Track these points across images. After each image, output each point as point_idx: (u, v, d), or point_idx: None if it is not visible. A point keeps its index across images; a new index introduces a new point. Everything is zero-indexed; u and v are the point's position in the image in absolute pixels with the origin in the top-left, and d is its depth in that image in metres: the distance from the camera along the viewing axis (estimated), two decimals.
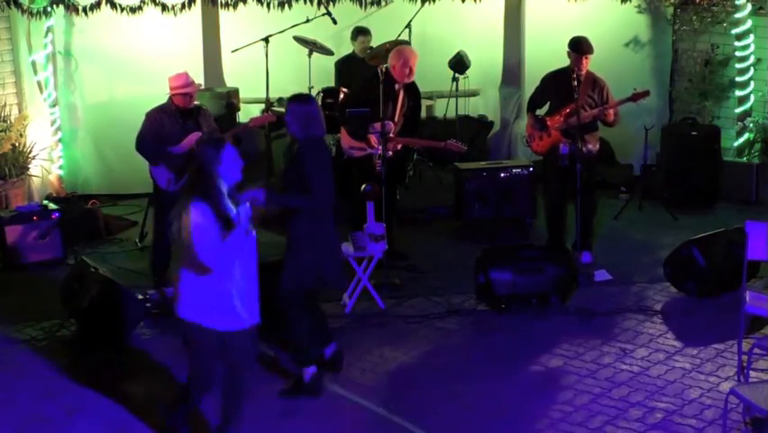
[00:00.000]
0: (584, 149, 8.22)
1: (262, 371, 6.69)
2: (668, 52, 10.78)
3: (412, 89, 8.48)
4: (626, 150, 10.77)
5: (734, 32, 10.34)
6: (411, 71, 8.24)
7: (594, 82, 8.32)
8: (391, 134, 8.25)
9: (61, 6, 9.74)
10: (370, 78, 8.43)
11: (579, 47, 8.20)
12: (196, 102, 7.93)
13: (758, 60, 10.28)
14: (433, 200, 10.00)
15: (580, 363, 6.77)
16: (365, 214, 7.71)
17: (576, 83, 8.09)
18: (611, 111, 8.25)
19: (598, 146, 8.48)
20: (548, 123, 8.40)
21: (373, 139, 8.25)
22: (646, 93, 8.29)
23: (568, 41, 8.30)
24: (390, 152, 8.23)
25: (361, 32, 10.17)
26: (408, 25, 10.15)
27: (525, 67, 10.70)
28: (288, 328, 6.37)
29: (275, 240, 6.87)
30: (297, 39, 9.99)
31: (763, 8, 10.18)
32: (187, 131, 7.83)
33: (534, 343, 7.10)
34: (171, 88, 7.77)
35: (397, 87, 8.29)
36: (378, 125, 8.09)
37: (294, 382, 6.41)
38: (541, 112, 8.58)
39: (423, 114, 10.13)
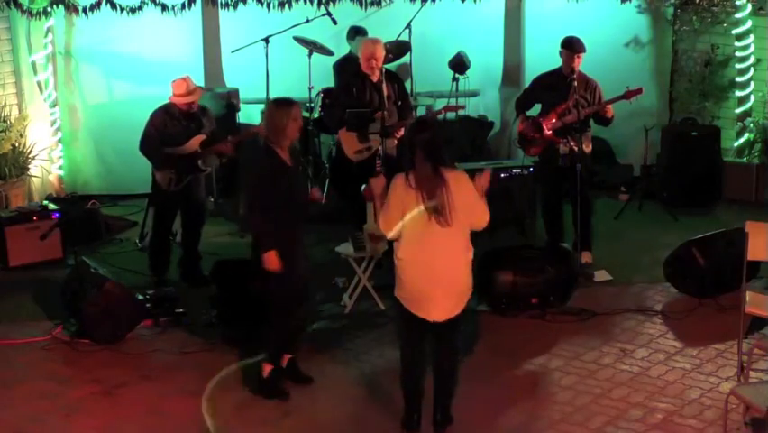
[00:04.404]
0: (576, 148, 8.25)
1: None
2: (668, 53, 10.78)
3: (390, 76, 8.54)
4: (626, 150, 10.78)
5: (734, 32, 10.34)
6: (377, 61, 8.31)
7: (586, 83, 8.33)
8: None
9: (61, 7, 9.76)
10: (349, 78, 8.50)
11: (572, 45, 8.22)
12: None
13: (758, 61, 10.28)
14: None
15: (581, 364, 6.77)
16: (365, 214, 7.71)
17: (571, 81, 8.12)
18: (610, 107, 8.28)
19: (591, 146, 8.50)
20: (542, 123, 8.41)
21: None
22: (639, 91, 8.30)
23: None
24: (396, 141, 8.31)
25: (358, 32, 10.13)
26: (408, 26, 10.14)
27: (525, 67, 10.69)
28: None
29: None
30: (298, 39, 9.98)
31: (762, 8, 10.17)
32: (189, 132, 7.87)
33: (534, 343, 7.10)
34: (174, 95, 7.81)
35: (376, 79, 8.33)
36: None
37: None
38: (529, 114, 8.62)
39: (422, 113, 10.14)
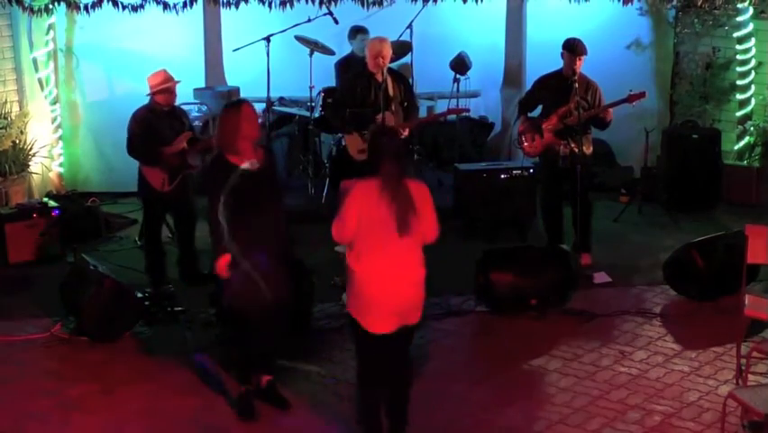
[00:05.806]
0: (576, 150, 8.26)
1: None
2: (669, 55, 10.79)
3: (398, 76, 8.55)
4: (626, 152, 10.78)
5: (735, 35, 10.35)
6: (384, 60, 8.35)
7: (587, 84, 8.34)
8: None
9: (63, 4, 9.74)
10: (353, 77, 8.52)
11: (574, 48, 8.22)
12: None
13: (759, 64, 10.29)
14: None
15: (579, 365, 6.77)
16: None
17: (572, 83, 8.13)
18: (610, 110, 8.30)
19: (591, 148, 8.50)
20: (542, 125, 8.42)
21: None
22: (642, 94, 8.30)
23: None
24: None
25: (359, 31, 10.14)
26: (410, 26, 10.13)
27: (526, 68, 10.70)
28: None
29: None
30: (299, 38, 9.98)
31: (764, 12, 10.18)
32: (174, 130, 7.85)
33: (532, 344, 7.10)
34: (151, 87, 7.80)
35: (381, 78, 8.34)
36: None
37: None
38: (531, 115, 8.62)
39: (423, 113, 10.14)
